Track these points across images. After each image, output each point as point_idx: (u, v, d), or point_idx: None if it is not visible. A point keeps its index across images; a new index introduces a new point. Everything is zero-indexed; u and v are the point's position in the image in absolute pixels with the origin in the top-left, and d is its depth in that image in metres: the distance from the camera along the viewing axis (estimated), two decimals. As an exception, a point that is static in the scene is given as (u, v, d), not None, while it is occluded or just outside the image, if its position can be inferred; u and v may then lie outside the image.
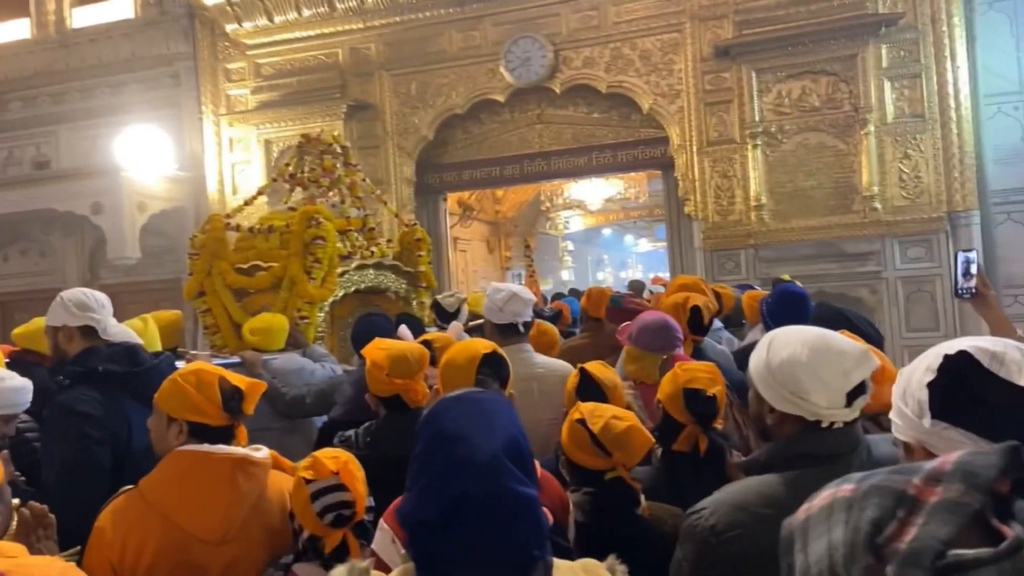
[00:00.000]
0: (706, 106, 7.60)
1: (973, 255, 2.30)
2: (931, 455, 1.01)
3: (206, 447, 1.81)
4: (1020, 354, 1.00)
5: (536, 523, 1.05)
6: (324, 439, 2.80)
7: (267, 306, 4.11)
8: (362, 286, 4.61)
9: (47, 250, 9.66)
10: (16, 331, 3.46)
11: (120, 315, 2.81)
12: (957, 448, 0.97)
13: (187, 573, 1.76)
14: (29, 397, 2.39)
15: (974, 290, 2.24)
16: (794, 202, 7.38)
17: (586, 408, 1.92)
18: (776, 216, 7.42)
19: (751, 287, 5.02)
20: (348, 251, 4.49)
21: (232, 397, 1.87)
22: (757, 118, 7.42)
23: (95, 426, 2.25)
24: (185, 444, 1.83)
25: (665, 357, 2.69)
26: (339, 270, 4.28)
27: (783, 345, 1.44)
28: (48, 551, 1.61)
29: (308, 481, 1.72)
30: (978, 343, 1.03)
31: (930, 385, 1.03)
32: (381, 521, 1.67)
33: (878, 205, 7.12)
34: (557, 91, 8.08)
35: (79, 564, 1.69)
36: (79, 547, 1.80)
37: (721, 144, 7.57)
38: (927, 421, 1.03)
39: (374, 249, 4.68)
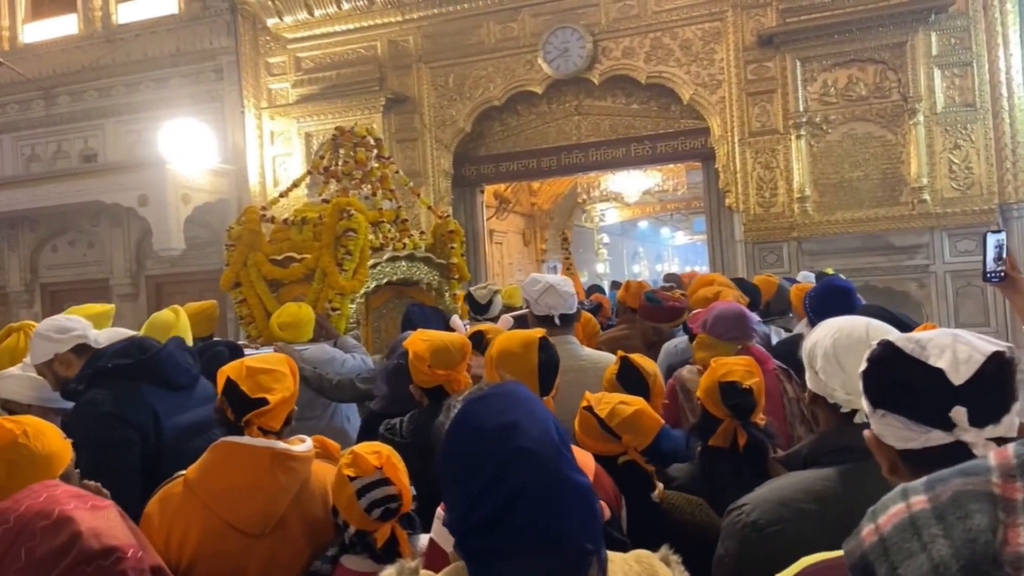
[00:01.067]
0: (748, 96, 7.43)
1: (1003, 236, 2.21)
2: (881, 443, 1.06)
3: (246, 439, 1.81)
4: (951, 339, 1.03)
5: (592, 513, 1.02)
6: (368, 430, 2.79)
7: (300, 297, 4.13)
8: (394, 278, 4.61)
9: (95, 241, 9.93)
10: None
11: (164, 304, 2.86)
12: (898, 433, 1.02)
13: (227, 564, 1.76)
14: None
15: (1002, 273, 2.17)
16: (839, 194, 7.17)
17: (593, 396, 1.92)
18: (820, 208, 7.23)
19: (795, 281, 4.90)
20: (380, 243, 4.49)
21: (237, 399, 1.84)
22: (801, 108, 7.23)
23: (116, 425, 2.25)
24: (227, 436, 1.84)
25: (740, 347, 2.68)
26: (371, 262, 4.29)
27: (819, 329, 1.50)
28: None
29: (352, 478, 1.70)
30: (906, 334, 1.09)
31: (863, 375, 1.08)
32: (439, 509, 1.62)
33: (927, 197, 6.89)
34: (596, 82, 7.99)
35: None
36: None
37: (764, 135, 7.39)
38: (868, 409, 1.08)
39: (406, 241, 4.68)
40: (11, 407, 2.45)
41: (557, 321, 2.81)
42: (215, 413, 1.90)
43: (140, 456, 2.23)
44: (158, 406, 2.32)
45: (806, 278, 5.28)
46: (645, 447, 1.86)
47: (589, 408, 1.89)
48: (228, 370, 1.89)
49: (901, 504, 0.66)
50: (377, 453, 1.74)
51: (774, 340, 3.60)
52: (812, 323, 2.63)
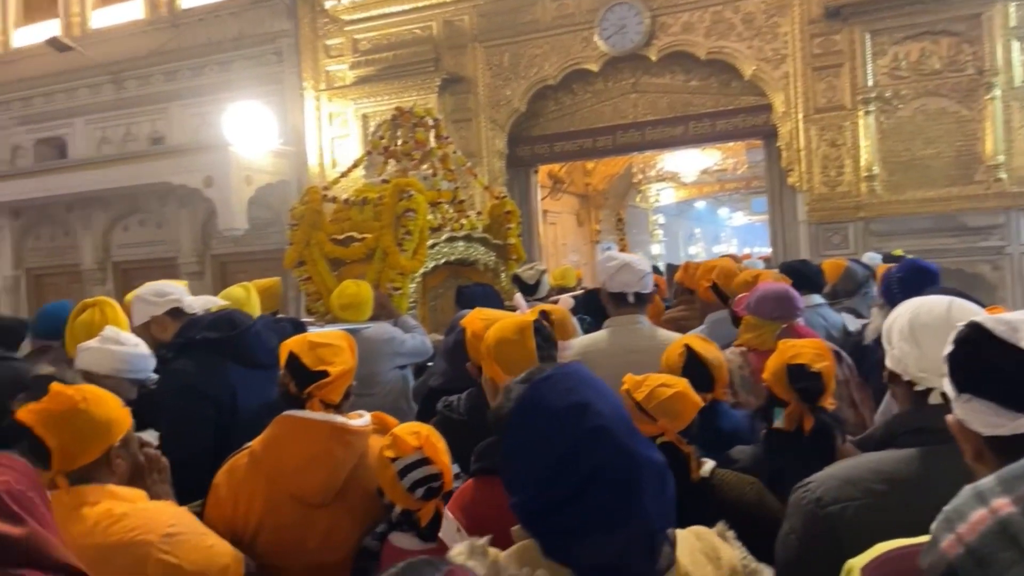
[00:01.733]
0: (814, 71, 7.19)
1: None
2: (965, 429, 1.02)
3: (307, 413, 1.87)
4: None
5: (666, 490, 1.03)
6: (427, 407, 2.83)
7: (361, 276, 4.20)
8: (452, 258, 4.65)
9: (163, 221, 10.26)
10: (129, 296, 3.67)
11: (229, 282, 2.95)
12: (985, 419, 0.98)
13: (290, 533, 1.83)
14: (154, 364, 2.57)
15: None
16: (910, 172, 6.90)
17: (632, 379, 1.91)
18: (889, 187, 6.97)
19: (858, 262, 4.74)
20: (438, 223, 4.53)
21: (297, 372, 1.90)
22: (870, 83, 6.95)
23: (193, 397, 2.34)
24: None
25: (784, 326, 2.65)
26: (429, 242, 4.33)
27: (900, 307, 1.50)
28: (164, 494, 1.72)
29: (393, 459, 1.74)
30: (994, 315, 1.04)
31: (948, 358, 1.04)
32: (446, 510, 1.67)
33: (1003, 175, 6.57)
34: (653, 59, 7.84)
35: (200, 516, 1.82)
36: (201, 501, 1.92)
37: (830, 111, 7.15)
38: (952, 393, 1.04)
39: (464, 221, 4.70)
40: (91, 378, 2.57)
41: (631, 299, 2.76)
42: (278, 387, 1.96)
43: (215, 428, 2.31)
44: (237, 383, 2.40)
45: (872, 260, 5.11)
46: (685, 428, 1.85)
47: (628, 392, 1.89)
48: (290, 344, 1.95)
49: (982, 510, 0.63)
50: (416, 433, 1.77)
51: (851, 328, 3.49)
52: (892, 304, 2.55)
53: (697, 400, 1.88)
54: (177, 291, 2.87)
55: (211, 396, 2.35)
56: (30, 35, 10.79)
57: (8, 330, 2.88)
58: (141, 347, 2.55)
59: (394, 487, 1.74)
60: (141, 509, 1.55)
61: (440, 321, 4.99)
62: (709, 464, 1.87)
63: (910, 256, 4.69)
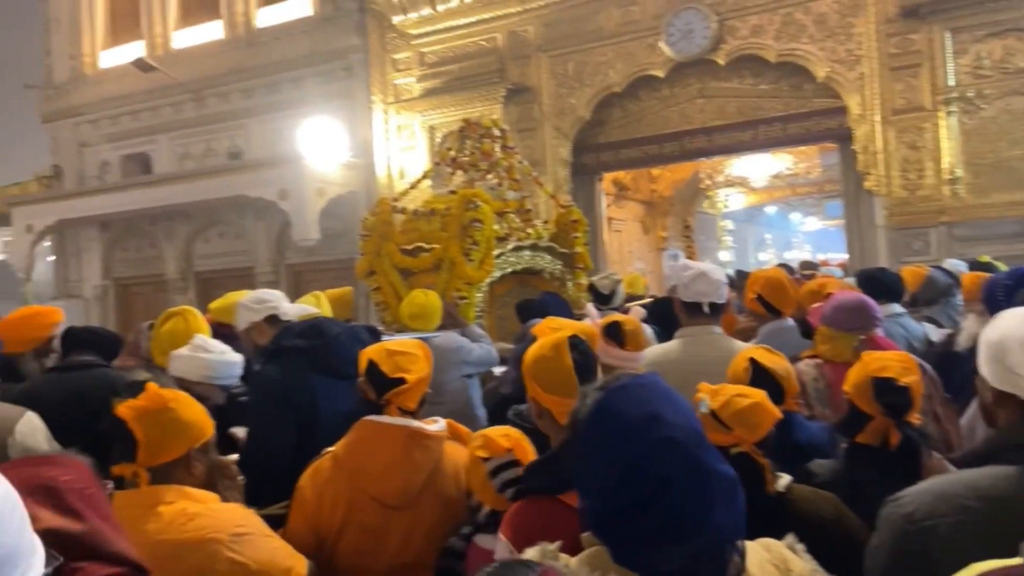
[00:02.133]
0: (891, 71, 6.95)
1: None
2: None
3: (386, 418, 1.94)
4: None
5: (736, 503, 1.02)
6: (497, 414, 2.86)
7: (430, 286, 4.27)
8: (518, 267, 4.68)
9: (241, 233, 10.67)
10: (212, 305, 3.84)
11: (303, 291, 3.07)
12: None
13: (372, 534, 1.90)
14: (240, 371, 2.74)
15: None
16: (996, 174, 6.58)
17: (708, 388, 1.88)
18: (973, 190, 6.67)
19: (941, 269, 4.54)
20: (505, 233, 4.56)
21: (375, 378, 1.96)
22: (951, 83, 6.68)
23: (275, 403, 2.45)
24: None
25: (863, 337, 2.58)
26: (496, 251, 4.37)
27: (1005, 319, 1.41)
28: (232, 499, 1.80)
29: (484, 459, 1.78)
30: None
31: None
32: (499, 533, 1.67)
33: (1101, 176, 6.20)
34: (721, 63, 7.72)
35: (286, 517, 1.92)
36: (286, 502, 2.00)
37: (909, 112, 6.89)
38: None
39: (530, 231, 4.73)
40: (183, 384, 2.70)
41: (706, 309, 2.71)
42: (357, 393, 2.02)
43: (297, 433, 2.39)
44: (319, 391, 2.48)
45: (955, 266, 4.88)
46: (761, 439, 1.80)
47: (703, 400, 1.84)
48: (369, 352, 2.01)
49: None
50: (507, 435, 1.82)
51: (933, 338, 3.35)
52: (992, 312, 2.44)
53: (775, 412, 1.84)
54: (275, 298, 3.05)
55: (293, 402, 2.44)
56: (117, 56, 11.43)
57: (107, 342, 3.05)
58: (228, 355, 2.68)
59: (485, 487, 1.77)
60: (213, 509, 1.64)
61: (507, 330, 5.02)
62: (785, 479, 1.82)
63: (994, 262, 4.47)
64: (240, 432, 2.56)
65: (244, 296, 3.03)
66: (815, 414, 2.53)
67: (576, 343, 1.87)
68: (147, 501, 1.58)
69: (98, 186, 10.99)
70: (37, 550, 0.87)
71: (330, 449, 2.01)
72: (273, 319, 3.08)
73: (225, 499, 1.76)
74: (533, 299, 3.98)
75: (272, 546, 1.65)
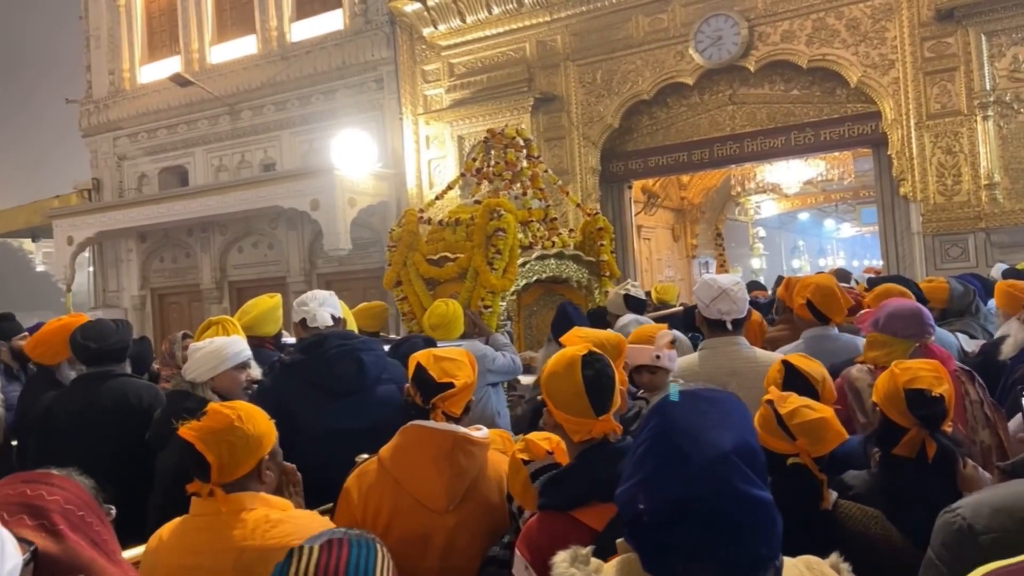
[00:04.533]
0: (926, 76, 6.81)
1: None
2: None
3: (431, 423, 1.96)
4: None
5: (769, 526, 1.00)
6: (529, 421, 2.86)
7: (455, 295, 4.29)
8: (544, 275, 4.67)
9: (274, 242, 10.84)
10: (236, 316, 3.88)
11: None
12: None
13: (416, 537, 1.91)
14: (239, 348, 2.63)
15: None
16: (1035, 179, 6.41)
17: (777, 393, 1.86)
18: (1013, 196, 6.50)
19: (958, 280, 4.42)
20: (529, 242, 4.56)
21: (423, 383, 1.98)
22: (988, 86, 6.52)
23: None
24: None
25: (917, 345, 2.54)
26: (520, 260, 4.37)
27: None
28: (296, 504, 1.83)
29: (526, 462, 1.78)
30: None
31: None
32: (517, 546, 1.66)
33: None
34: (751, 69, 7.65)
35: (331, 519, 1.93)
36: (331, 504, 2.03)
37: (944, 117, 6.75)
38: None
39: (555, 239, 4.72)
40: (206, 387, 2.74)
41: (729, 326, 2.75)
42: (404, 397, 2.05)
43: None
44: (306, 407, 2.46)
45: (999, 271, 4.76)
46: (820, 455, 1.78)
47: (771, 402, 1.84)
48: (417, 357, 2.04)
49: None
50: (548, 439, 1.81)
51: (967, 348, 3.28)
52: None
53: (843, 431, 1.80)
54: (312, 303, 3.05)
55: (274, 416, 2.42)
56: (154, 71, 11.73)
57: (139, 354, 3.13)
58: (216, 343, 2.63)
59: (526, 490, 1.76)
60: (294, 516, 1.68)
61: (535, 338, 5.02)
62: (833, 495, 1.80)
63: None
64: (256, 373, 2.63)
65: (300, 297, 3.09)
66: (870, 420, 2.48)
67: (592, 360, 1.79)
68: (229, 507, 1.62)
69: (136, 198, 11.26)
70: (5, 541, 0.88)
71: (366, 456, 2.03)
72: (304, 323, 3.11)
73: (296, 505, 1.80)
74: (568, 310, 3.96)
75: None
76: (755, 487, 1.00)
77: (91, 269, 12.57)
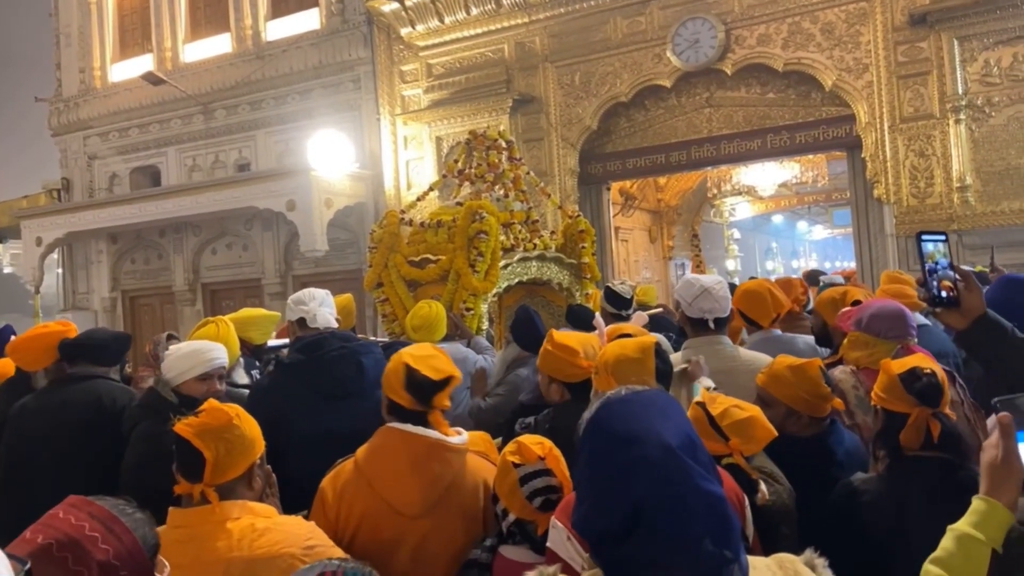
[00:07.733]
0: (899, 79, 6.92)
1: (942, 244, 1.70)
2: None
3: (408, 427, 1.91)
4: None
5: (724, 520, 0.99)
6: (510, 424, 2.84)
7: (436, 297, 4.25)
8: (525, 278, 4.66)
9: (248, 244, 10.69)
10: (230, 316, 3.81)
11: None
12: None
13: (387, 540, 1.88)
14: (214, 356, 2.56)
15: (952, 293, 1.72)
16: (1005, 182, 6.54)
17: (707, 395, 1.92)
18: (984, 198, 6.62)
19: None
20: (511, 244, 4.55)
21: (420, 386, 1.92)
22: (960, 90, 6.65)
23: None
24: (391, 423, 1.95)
25: (899, 346, 2.54)
26: (502, 262, 4.35)
27: None
28: (274, 506, 1.79)
29: (516, 465, 1.75)
30: None
31: None
32: (553, 519, 1.63)
33: (1114, 183, 6.14)
34: (728, 72, 7.71)
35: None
36: (307, 511, 1.98)
37: (917, 120, 6.86)
38: None
39: (537, 241, 4.71)
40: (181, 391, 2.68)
41: (711, 325, 2.76)
42: (386, 404, 1.98)
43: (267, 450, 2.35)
44: (302, 409, 2.43)
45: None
46: (754, 453, 1.86)
47: (702, 404, 1.88)
48: (397, 364, 1.96)
49: None
50: (540, 444, 1.79)
51: None
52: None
53: (770, 428, 1.85)
54: (311, 303, 2.98)
55: (258, 419, 2.38)
56: (126, 70, 11.51)
57: (107, 349, 3.05)
58: (193, 346, 2.57)
59: (513, 493, 1.74)
60: (280, 523, 1.64)
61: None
62: (762, 491, 1.85)
63: (1007, 270, 4.43)
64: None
65: (294, 295, 3.05)
66: (858, 422, 2.49)
67: (659, 350, 1.98)
68: (213, 518, 1.57)
69: (107, 198, 11.04)
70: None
71: (346, 457, 2.00)
72: (302, 322, 3.01)
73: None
74: (580, 310, 3.94)
75: (339, 556, 1.63)
76: (705, 481, 0.99)
77: (60, 271, 12.31)
